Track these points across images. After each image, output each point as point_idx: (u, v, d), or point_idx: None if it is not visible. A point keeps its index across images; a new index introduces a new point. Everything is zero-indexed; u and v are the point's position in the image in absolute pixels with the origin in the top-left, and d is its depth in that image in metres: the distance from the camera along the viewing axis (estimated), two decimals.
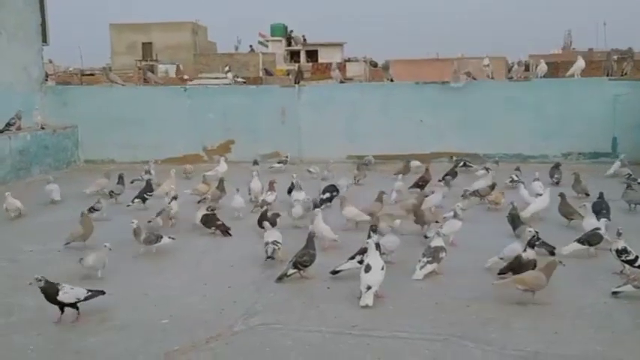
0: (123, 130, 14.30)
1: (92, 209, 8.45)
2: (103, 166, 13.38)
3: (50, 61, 32.05)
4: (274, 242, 6.70)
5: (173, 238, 7.22)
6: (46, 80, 16.35)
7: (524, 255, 5.89)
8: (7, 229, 8.44)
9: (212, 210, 8.16)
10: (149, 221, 7.73)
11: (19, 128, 12.53)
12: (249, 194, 9.45)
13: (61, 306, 5.26)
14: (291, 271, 6.13)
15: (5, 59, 13.31)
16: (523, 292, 5.52)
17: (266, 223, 7.09)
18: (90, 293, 5.36)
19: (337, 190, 9.42)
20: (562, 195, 8.36)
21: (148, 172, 10.55)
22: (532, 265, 5.84)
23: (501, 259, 6.22)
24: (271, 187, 9.33)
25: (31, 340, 4.91)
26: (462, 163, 12.08)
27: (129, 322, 5.27)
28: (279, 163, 12.67)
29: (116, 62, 42.23)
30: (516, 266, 5.89)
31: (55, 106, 14.50)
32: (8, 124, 12.28)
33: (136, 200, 9.28)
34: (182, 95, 14.72)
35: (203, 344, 4.81)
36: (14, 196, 9.01)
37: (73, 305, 5.28)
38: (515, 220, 7.39)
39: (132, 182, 10.63)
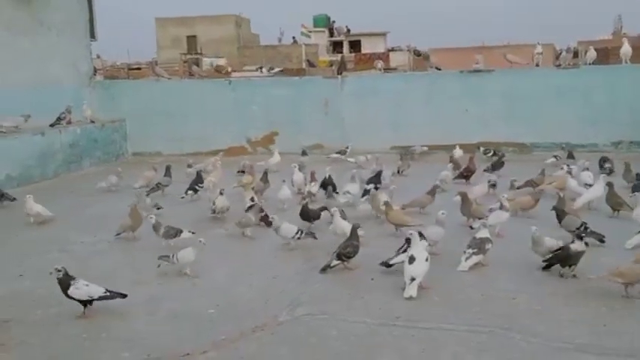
0: (169, 123, 14.57)
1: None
2: (150, 159, 13.64)
3: (98, 56, 32.74)
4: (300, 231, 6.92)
5: (193, 232, 7.17)
6: (95, 75, 16.71)
7: (572, 246, 5.78)
8: (59, 221, 8.65)
9: (253, 200, 8.26)
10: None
11: (69, 122, 12.87)
12: (293, 186, 9.50)
13: (82, 302, 5.25)
14: (335, 262, 6.15)
15: (55, 55, 13.67)
16: (624, 286, 5.32)
17: (274, 218, 7.05)
18: (108, 294, 5.29)
19: (381, 182, 9.40)
20: (610, 184, 8.15)
21: (190, 165, 10.66)
22: (581, 256, 5.74)
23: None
24: (313, 177, 9.38)
25: (83, 329, 5.05)
26: (491, 153, 12.01)
27: (177, 311, 5.38)
28: (337, 153, 12.61)
29: (162, 56, 42.79)
30: (564, 258, 5.79)
31: (103, 100, 14.83)
32: (59, 119, 12.63)
33: (189, 192, 9.42)
34: (226, 88, 14.89)
35: (250, 334, 4.88)
36: (36, 200, 8.51)
37: (85, 303, 5.25)
38: (561, 212, 7.25)
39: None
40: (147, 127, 14.66)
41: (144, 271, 6.40)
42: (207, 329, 4.98)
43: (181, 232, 7.06)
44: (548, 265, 5.96)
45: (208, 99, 14.76)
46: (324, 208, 7.83)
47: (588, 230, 6.68)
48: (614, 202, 7.95)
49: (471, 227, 7.29)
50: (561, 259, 5.83)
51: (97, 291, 5.27)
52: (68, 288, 5.20)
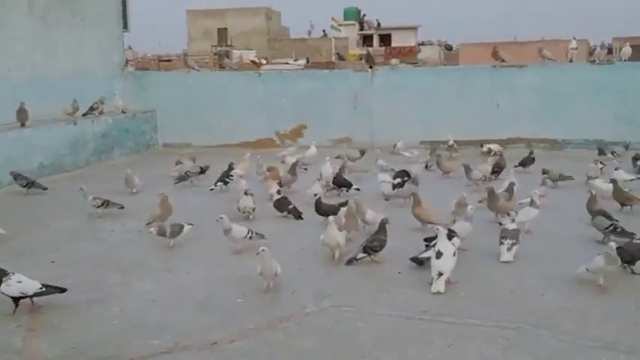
0: (199, 115, 14.67)
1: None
2: (180, 150, 13.78)
3: (129, 47, 33.08)
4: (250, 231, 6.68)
5: (191, 224, 7.09)
6: (126, 66, 16.89)
7: None
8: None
9: (279, 192, 8.26)
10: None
11: (101, 112, 13.05)
12: (321, 178, 9.48)
13: (15, 299, 5.12)
14: (361, 255, 6.15)
15: (88, 46, 13.87)
16: None
17: (224, 218, 6.59)
18: (44, 289, 5.16)
19: (409, 176, 9.37)
20: (614, 181, 8.22)
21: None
22: None
23: (588, 270, 5.56)
24: (342, 171, 9.40)
25: (113, 316, 5.14)
26: (493, 153, 11.63)
27: (206, 300, 5.44)
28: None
29: (192, 48, 43.11)
30: None
31: (134, 90, 14.98)
32: (91, 108, 12.81)
33: (219, 184, 9.46)
34: (256, 80, 14.93)
35: (277, 323, 4.92)
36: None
37: (17, 299, 5.11)
38: (593, 210, 7.13)
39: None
40: (177, 118, 14.77)
41: (173, 260, 6.49)
42: (235, 318, 5.03)
43: (183, 227, 6.97)
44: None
45: (238, 91, 14.79)
46: (345, 203, 7.78)
47: (618, 230, 6.59)
48: (623, 198, 7.94)
49: (500, 224, 7.23)
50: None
51: (32, 287, 5.14)
52: (0, 284, 5.10)
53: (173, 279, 5.98)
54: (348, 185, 9.03)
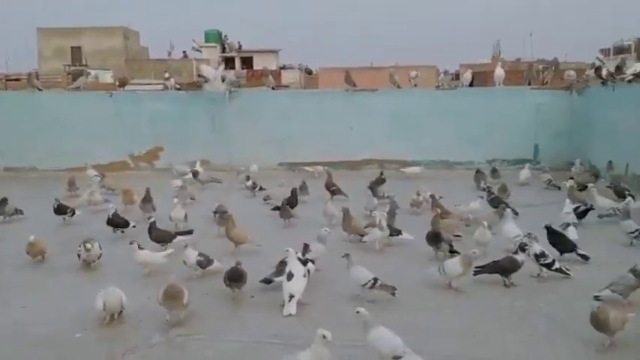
0: (46, 137, 13.86)
1: None
2: (25, 174, 12.93)
3: None
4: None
5: None
6: None
7: (519, 258, 6.08)
8: None
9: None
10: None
11: None
12: (170, 220, 8.59)
13: None
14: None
15: None
16: None
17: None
18: None
19: (297, 201, 9.37)
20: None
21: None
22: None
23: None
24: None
25: None
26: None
27: (42, 337, 5.07)
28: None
29: (44, 67, 40.96)
30: (511, 268, 6.07)
31: None
32: None
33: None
34: (108, 101, 14.33)
35: (119, 358, 4.67)
36: None
37: None
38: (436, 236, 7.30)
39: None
40: (21, 140, 13.87)
41: (6, 293, 5.99)
42: (72, 355, 4.72)
43: None
44: (478, 272, 6.13)
45: (89, 112, 14.14)
46: (189, 233, 7.58)
47: (454, 249, 6.93)
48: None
49: (362, 241, 7.46)
50: (506, 269, 6.08)
51: None
52: None
53: (7, 314, 5.52)
54: (123, 225, 8.25)
